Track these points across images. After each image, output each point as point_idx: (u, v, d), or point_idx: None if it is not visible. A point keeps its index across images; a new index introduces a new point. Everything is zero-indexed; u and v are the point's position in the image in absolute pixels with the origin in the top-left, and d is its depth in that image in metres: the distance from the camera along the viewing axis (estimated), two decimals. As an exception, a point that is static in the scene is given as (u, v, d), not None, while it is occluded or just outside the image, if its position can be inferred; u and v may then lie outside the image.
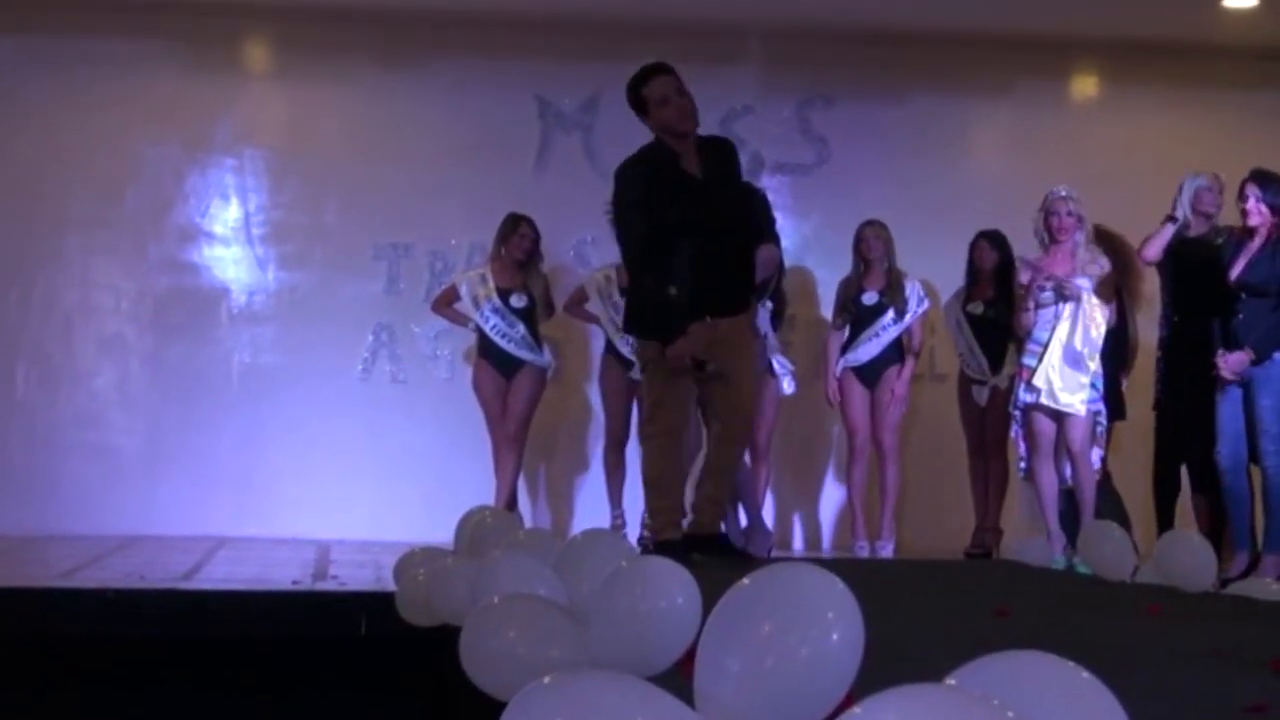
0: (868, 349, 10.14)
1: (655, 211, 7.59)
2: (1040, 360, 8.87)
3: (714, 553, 7.42)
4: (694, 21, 11.10)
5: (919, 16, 10.76)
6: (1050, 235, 9.07)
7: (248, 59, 11.66)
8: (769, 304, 9.28)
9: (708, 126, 11.31)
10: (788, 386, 9.67)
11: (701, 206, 7.58)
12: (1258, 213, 8.56)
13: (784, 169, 11.57)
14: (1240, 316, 8.56)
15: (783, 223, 9.88)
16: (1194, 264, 9.07)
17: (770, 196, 9.74)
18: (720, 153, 7.93)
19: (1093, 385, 8.92)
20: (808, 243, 11.39)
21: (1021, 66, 11.56)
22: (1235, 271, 8.56)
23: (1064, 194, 9.08)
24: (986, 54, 11.50)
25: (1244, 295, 8.56)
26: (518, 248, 10.25)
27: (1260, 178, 8.66)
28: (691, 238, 7.52)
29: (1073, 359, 8.85)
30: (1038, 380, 8.86)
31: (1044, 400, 8.86)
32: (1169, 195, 9.45)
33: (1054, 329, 8.87)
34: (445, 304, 10.44)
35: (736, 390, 7.88)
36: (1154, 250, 9.35)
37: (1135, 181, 11.00)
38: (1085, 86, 12.19)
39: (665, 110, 7.75)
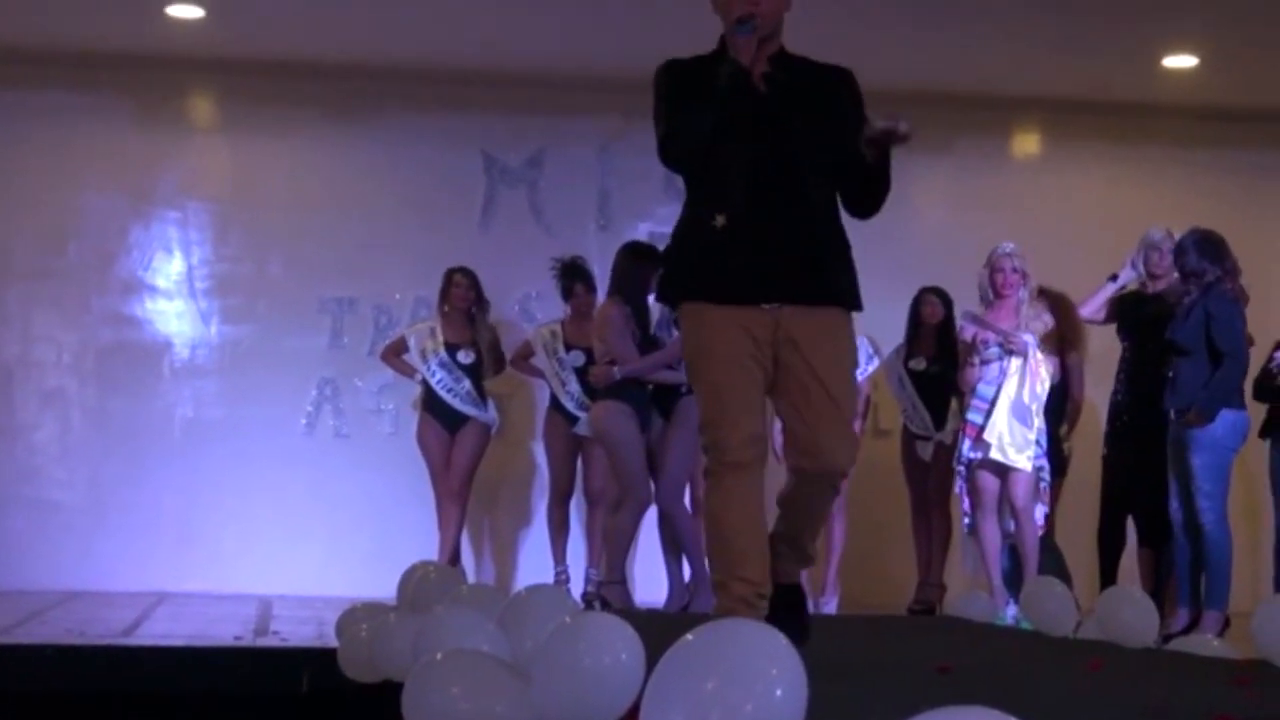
0: (814, 406, 10.13)
1: (689, 113, 5.21)
2: (988, 416, 8.92)
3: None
4: (641, 78, 11.05)
5: (861, 75, 10.81)
6: (995, 291, 9.15)
7: (192, 112, 11.63)
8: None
9: (652, 181, 11.45)
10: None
11: (752, 126, 5.25)
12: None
13: (728, 224, 11.59)
14: (1171, 375, 8.67)
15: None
16: (1147, 321, 9.20)
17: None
18: (812, 75, 5.43)
19: (1037, 441, 8.98)
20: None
21: (963, 124, 11.63)
22: (1168, 329, 8.71)
23: (1009, 250, 9.17)
24: (928, 111, 11.49)
25: (1174, 355, 8.67)
26: (458, 298, 10.26)
27: (1185, 239, 8.77)
28: (740, 164, 5.24)
29: (1020, 414, 8.90)
30: (988, 436, 8.90)
31: (993, 455, 8.91)
32: (1109, 252, 9.55)
33: (1001, 385, 8.93)
34: (394, 354, 10.43)
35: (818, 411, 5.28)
36: (1091, 308, 9.53)
37: (1076, 238, 11.10)
38: (1026, 144, 12.28)
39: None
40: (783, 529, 5.52)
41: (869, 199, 5.40)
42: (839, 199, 5.39)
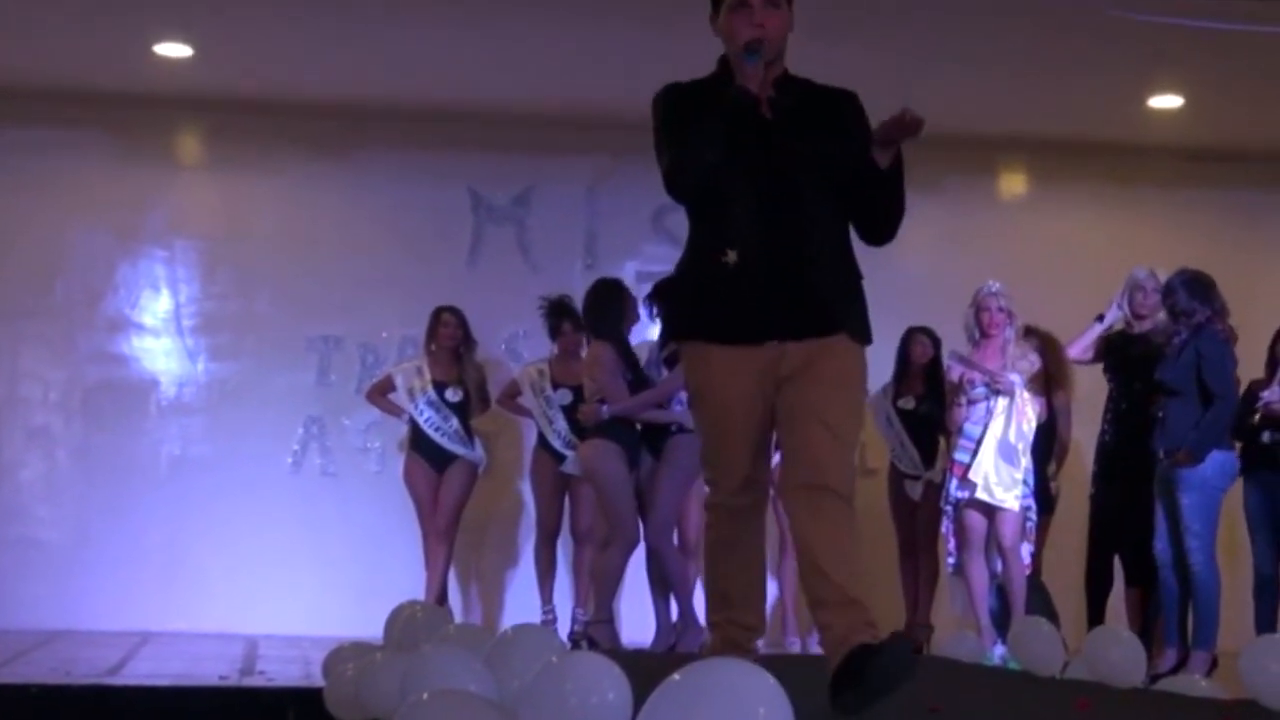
0: (801, 445, 10.12)
1: (696, 142, 5.00)
2: (974, 455, 8.93)
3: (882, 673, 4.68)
4: (627, 117, 11.04)
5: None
6: (981, 330, 9.16)
7: (180, 150, 11.63)
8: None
9: (639, 220, 11.47)
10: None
11: (761, 154, 5.02)
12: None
13: (716, 264, 11.59)
14: (1161, 415, 8.70)
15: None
16: (1134, 361, 9.23)
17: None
18: (817, 98, 5.20)
19: (1024, 481, 8.98)
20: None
21: (951, 164, 11.63)
22: (1157, 370, 8.74)
23: (995, 290, 9.18)
24: (916, 151, 11.42)
25: (1164, 395, 8.69)
26: (446, 336, 10.26)
27: (1175, 279, 8.81)
28: (749, 196, 5.03)
29: (1007, 454, 8.91)
30: (974, 475, 8.91)
31: (979, 495, 8.92)
32: (1097, 292, 9.58)
33: (988, 424, 8.94)
34: (380, 393, 10.42)
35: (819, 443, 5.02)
36: (1078, 349, 9.55)
37: (1063, 278, 11.12)
38: (1014, 184, 12.30)
39: (734, 18, 5.09)
40: (811, 583, 4.96)
41: (883, 221, 5.20)
42: (852, 228, 5.20)
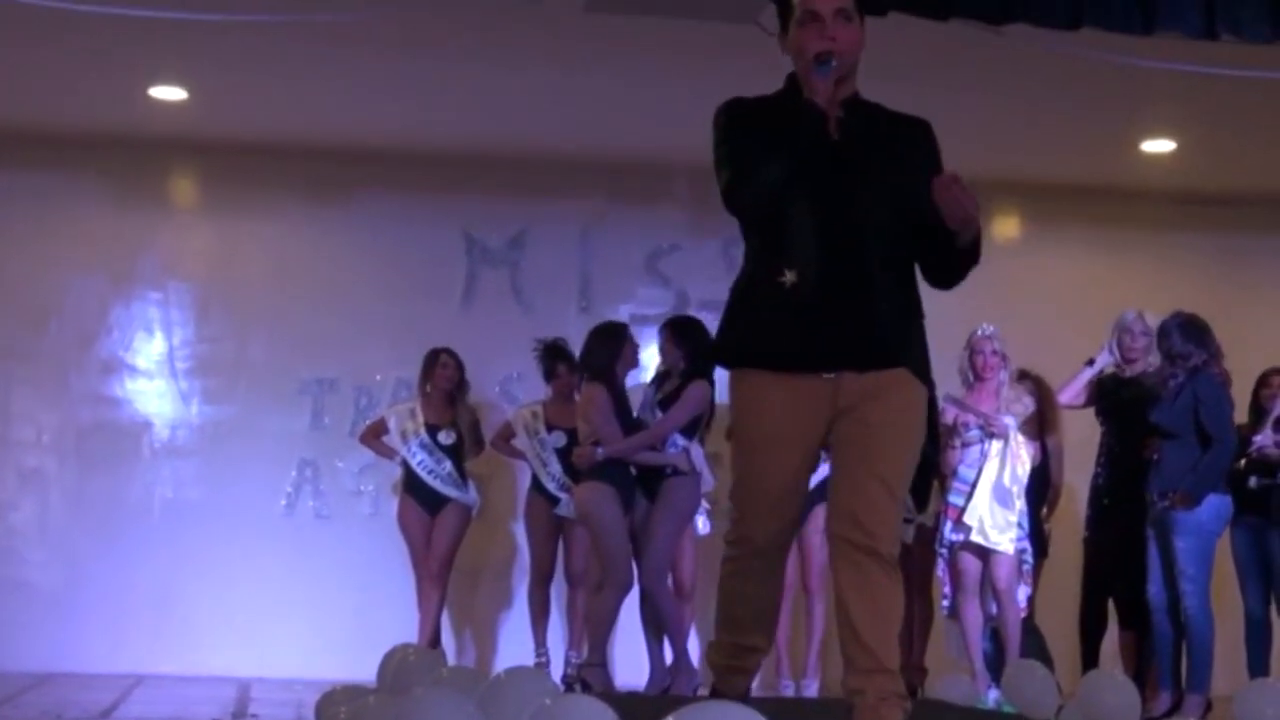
0: (794, 489, 10.11)
1: (760, 158, 4.73)
2: (969, 499, 8.93)
3: None
4: (621, 160, 11.18)
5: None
6: (975, 374, 9.18)
7: (174, 192, 11.63)
8: (700, 445, 9.33)
9: (633, 263, 11.50)
10: (703, 526, 9.77)
11: (826, 174, 4.77)
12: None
13: (710, 305, 11.54)
14: (1156, 458, 8.71)
15: (709, 360, 9.92)
16: (1126, 404, 9.25)
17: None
18: (888, 124, 5.02)
19: (1019, 524, 8.98)
20: (733, 380, 11.39)
21: (945, 207, 11.68)
22: (1152, 412, 8.76)
23: (989, 333, 9.20)
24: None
25: (1160, 437, 8.71)
26: (442, 378, 10.26)
27: (1169, 323, 8.85)
28: (810, 216, 4.78)
29: (1001, 497, 8.91)
30: (968, 519, 8.91)
31: (974, 538, 8.92)
32: (1089, 336, 9.59)
33: (982, 467, 8.94)
34: (374, 436, 10.42)
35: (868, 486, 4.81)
36: (1069, 394, 9.56)
37: (1056, 321, 11.14)
38: (1007, 228, 12.31)
39: (804, 32, 4.81)
40: (848, 647, 4.73)
41: (953, 273, 5.01)
42: (917, 264, 4.96)
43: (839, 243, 4.75)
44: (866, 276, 4.76)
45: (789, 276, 4.73)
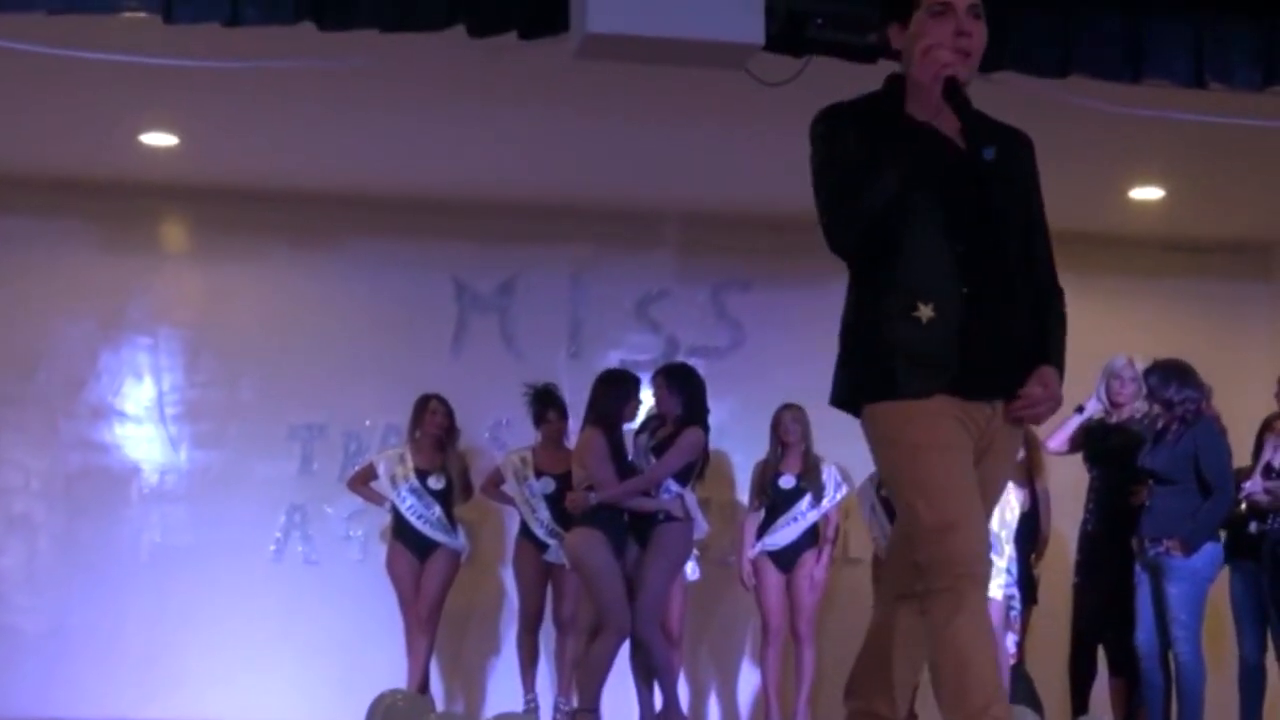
0: (785, 534, 10.13)
1: (871, 180, 4.23)
2: (957, 546, 8.92)
3: None
4: (611, 206, 11.20)
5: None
6: (960, 420, 9.17)
7: (164, 238, 11.63)
8: (693, 491, 9.34)
9: (623, 309, 11.51)
10: (692, 572, 9.79)
11: (959, 194, 4.32)
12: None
13: (699, 352, 11.61)
14: (1148, 503, 8.71)
15: (699, 406, 9.91)
16: (1114, 450, 9.25)
17: (687, 380, 9.76)
18: (1004, 137, 4.51)
19: (1007, 570, 8.97)
20: (724, 426, 11.35)
21: (934, 254, 11.70)
22: (1143, 458, 8.76)
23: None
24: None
25: (1152, 483, 8.71)
26: (432, 425, 10.26)
27: (1159, 370, 8.86)
28: (944, 241, 4.30)
29: (990, 542, 8.90)
30: (958, 566, 8.89)
31: (962, 584, 8.90)
32: (1078, 382, 9.54)
33: (971, 514, 8.93)
34: (362, 482, 10.40)
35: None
36: (1057, 441, 9.57)
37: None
38: (996, 274, 12.33)
39: (935, 25, 4.28)
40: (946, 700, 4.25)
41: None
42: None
43: (980, 271, 4.29)
44: (1009, 304, 4.33)
45: (925, 311, 4.24)
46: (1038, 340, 4.37)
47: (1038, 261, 4.54)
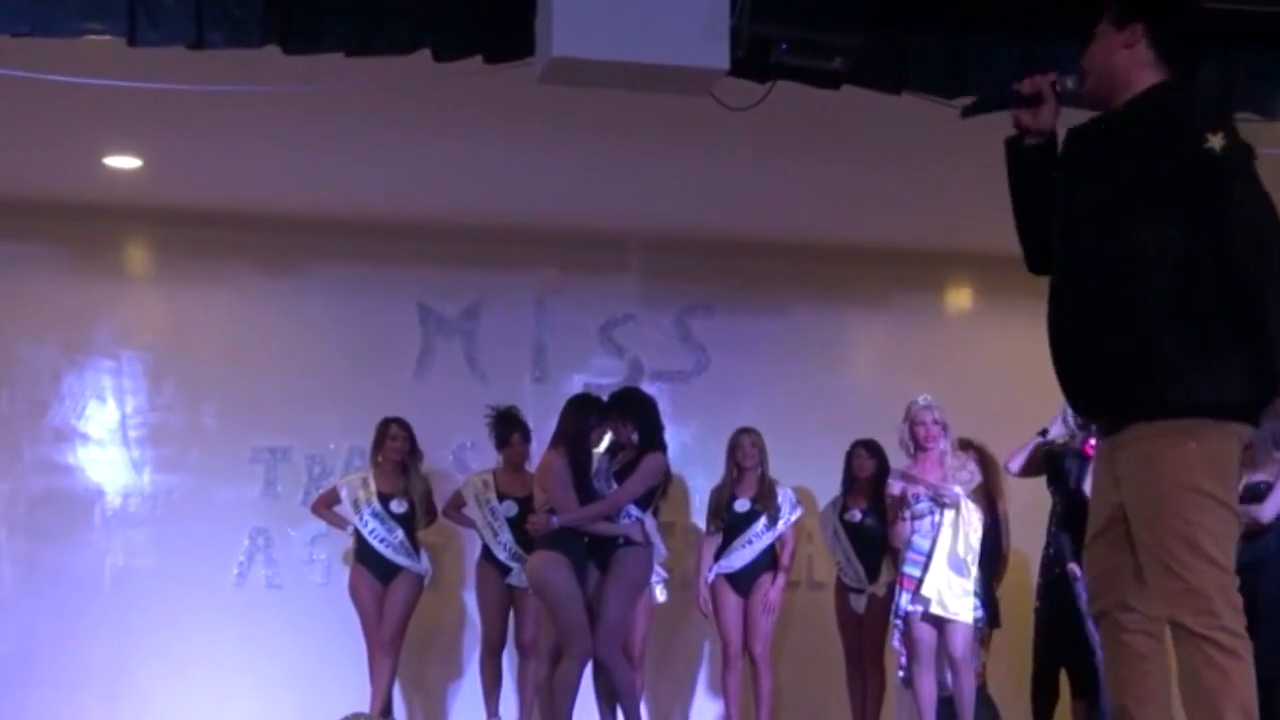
0: (740, 556, 10.15)
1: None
2: (925, 569, 8.96)
3: None
4: (576, 232, 11.22)
5: (798, 229, 10.90)
6: (917, 444, 9.24)
7: (127, 261, 11.60)
8: (653, 516, 9.34)
9: (588, 333, 11.53)
10: (660, 595, 9.79)
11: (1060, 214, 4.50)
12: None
13: (663, 376, 11.64)
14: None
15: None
16: (1076, 474, 9.28)
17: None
18: (1152, 115, 4.47)
19: (974, 592, 9.02)
20: (687, 450, 11.39)
21: (898, 279, 11.75)
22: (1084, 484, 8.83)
23: (927, 403, 9.28)
24: (863, 267, 11.67)
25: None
26: (393, 449, 10.25)
27: None
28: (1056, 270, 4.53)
29: (956, 565, 8.96)
30: (927, 590, 8.95)
31: (934, 609, 8.94)
32: (1042, 407, 9.61)
33: (936, 538, 8.98)
34: (325, 505, 10.39)
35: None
36: (1016, 462, 9.61)
37: (1009, 393, 11.15)
38: (959, 299, 12.40)
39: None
40: None
41: None
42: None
43: (1061, 308, 4.52)
44: (1088, 340, 4.47)
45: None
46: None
47: None
